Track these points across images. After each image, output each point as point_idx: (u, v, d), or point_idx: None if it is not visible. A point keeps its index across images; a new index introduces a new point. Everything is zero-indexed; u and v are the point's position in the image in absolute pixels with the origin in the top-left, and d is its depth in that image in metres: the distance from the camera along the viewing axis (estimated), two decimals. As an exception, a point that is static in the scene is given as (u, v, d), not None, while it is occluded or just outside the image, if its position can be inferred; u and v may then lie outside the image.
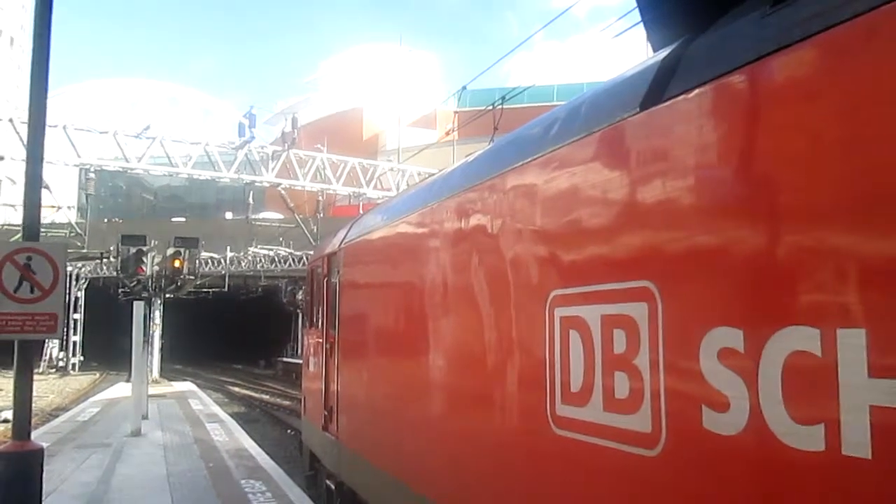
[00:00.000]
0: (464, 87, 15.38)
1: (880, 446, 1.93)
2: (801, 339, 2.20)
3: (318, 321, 9.58)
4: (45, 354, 42.30)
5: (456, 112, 35.21)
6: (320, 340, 9.30)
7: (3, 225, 46.56)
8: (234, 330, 57.68)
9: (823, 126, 2.25)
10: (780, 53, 2.41)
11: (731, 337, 2.49)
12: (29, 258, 6.74)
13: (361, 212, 22.04)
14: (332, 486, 8.69)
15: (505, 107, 12.55)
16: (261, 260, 39.90)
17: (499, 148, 5.04)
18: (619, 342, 3.11)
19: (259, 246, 39.60)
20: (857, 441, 2.00)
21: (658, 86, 3.10)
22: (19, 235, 7.10)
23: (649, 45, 3.98)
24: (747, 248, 2.47)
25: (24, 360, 6.84)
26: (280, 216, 42.60)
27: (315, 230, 30.10)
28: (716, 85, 2.70)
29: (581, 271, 3.53)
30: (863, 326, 2.01)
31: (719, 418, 2.52)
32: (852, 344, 2.03)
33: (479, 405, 4.67)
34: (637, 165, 3.15)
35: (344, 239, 8.52)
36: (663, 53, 3.30)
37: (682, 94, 2.88)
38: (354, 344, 7.92)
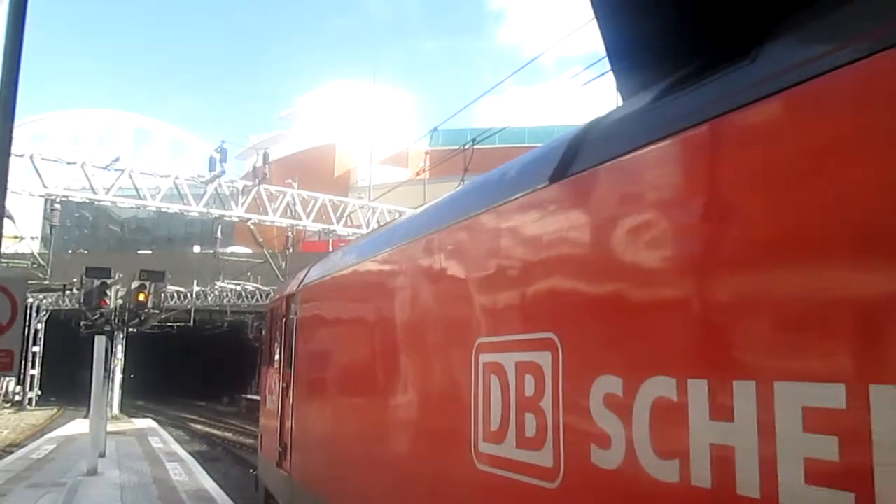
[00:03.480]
0: (436, 128, 15.55)
1: (717, 478, 2.36)
2: (663, 386, 2.64)
3: (275, 360, 9.91)
4: (1, 388, 41.16)
5: (427, 152, 35.51)
6: (277, 378, 9.58)
7: (-38, 254, 45.59)
8: (198, 366, 56.80)
9: (684, 207, 2.74)
10: (652, 145, 2.91)
11: (612, 383, 2.90)
12: (-14, 291, 6.58)
13: (331, 248, 21.97)
14: None
15: (476, 147, 12.69)
16: (227, 295, 39.43)
17: (434, 207, 5.57)
18: (529, 386, 3.51)
19: (226, 280, 39.17)
20: (700, 474, 2.42)
21: (563, 163, 3.56)
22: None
23: (619, 94, 4.05)
24: (625, 309, 2.94)
25: (-23, 395, 6.64)
26: (249, 251, 42.36)
27: (284, 266, 29.88)
28: (607, 166, 3.18)
29: (500, 322, 3.97)
30: (705, 378, 2.45)
31: (603, 455, 2.92)
32: (698, 391, 2.47)
33: (416, 443, 5.03)
34: (545, 232, 3.61)
35: (301, 282, 8.87)
36: (571, 135, 3.76)
37: (581, 171, 3.37)
38: (307, 383, 8.26)
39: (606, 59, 3.80)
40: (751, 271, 2.38)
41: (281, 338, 9.57)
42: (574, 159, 3.50)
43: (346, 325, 7.19)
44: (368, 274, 6.43)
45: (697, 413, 2.46)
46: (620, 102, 3.86)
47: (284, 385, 9.07)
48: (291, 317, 9.08)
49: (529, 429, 3.47)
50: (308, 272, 8.93)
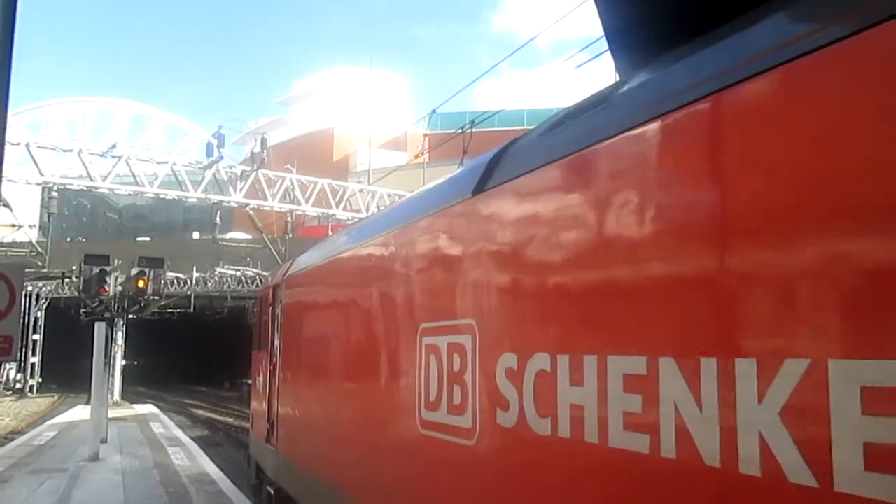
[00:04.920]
0: (434, 111, 15.42)
1: (574, 431, 3.09)
2: (541, 361, 3.37)
3: (263, 345, 10.71)
4: (2, 376, 41.29)
5: (426, 135, 35.35)
6: (265, 362, 10.38)
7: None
8: (198, 351, 56.93)
9: (562, 224, 3.39)
10: (545, 167, 3.56)
11: (511, 359, 3.64)
12: (-16, 278, 6.56)
13: (330, 233, 21.92)
14: (272, 492, 9.67)
15: (475, 130, 12.61)
16: (227, 280, 39.46)
17: (385, 214, 6.58)
18: (456, 363, 4.26)
19: (226, 266, 39.16)
20: (563, 427, 3.16)
21: (483, 178, 4.25)
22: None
23: (616, 74, 4.02)
24: (517, 301, 3.78)
25: (-23, 383, 6.64)
26: (248, 236, 42.28)
27: (283, 251, 29.84)
28: (514, 182, 3.86)
29: (437, 310, 4.74)
30: (567, 354, 3.18)
31: (504, 416, 3.65)
32: (564, 365, 3.19)
33: (374, 415, 5.89)
34: (468, 237, 4.36)
35: (286, 273, 9.68)
36: (492, 154, 4.45)
37: (498, 185, 4.04)
38: (290, 365, 9.09)
39: (601, 42, 3.79)
40: (606, 272, 3.09)
41: (268, 325, 10.31)
42: (490, 176, 4.20)
43: (319, 313, 8.14)
44: (336, 269, 7.33)
45: (562, 381, 3.21)
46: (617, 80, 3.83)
47: (271, 368, 9.84)
48: (277, 305, 9.83)
49: (456, 398, 4.23)
50: (291, 265, 9.70)
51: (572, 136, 3.44)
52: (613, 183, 3.06)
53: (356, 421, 6.37)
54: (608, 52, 4.01)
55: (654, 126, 2.83)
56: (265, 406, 10.15)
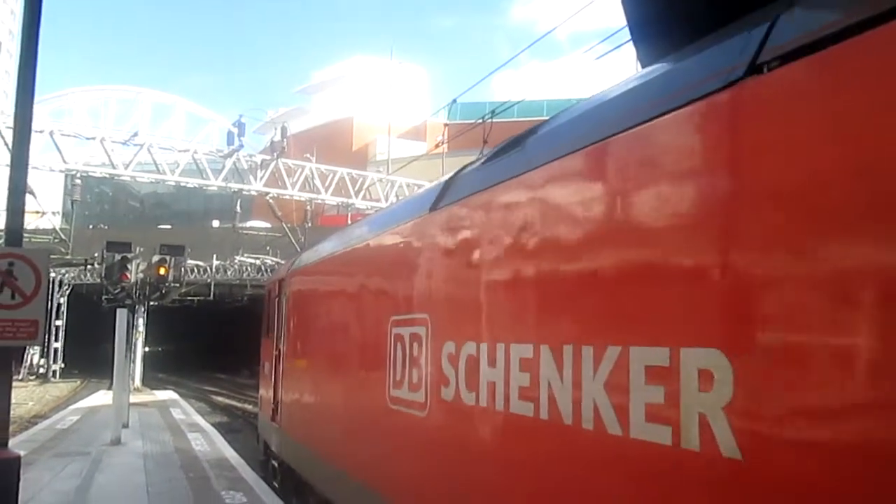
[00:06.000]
0: (454, 100, 15.40)
1: (488, 401, 4.12)
2: (471, 347, 4.39)
3: (270, 333, 11.89)
4: (26, 361, 41.83)
5: (446, 124, 35.27)
6: (271, 349, 11.54)
7: (-14, 229, 46.07)
8: (218, 339, 57.31)
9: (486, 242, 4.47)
10: (481, 192, 4.56)
11: (452, 346, 4.66)
12: (11, 264, 6.66)
13: (349, 222, 21.97)
14: (276, 465, 11.10)
15: (495, 120, 12.57)
16: (247, 269, 39.66)
17: (369, 221, 7.83)
18: (415, 349, 5.26)
19: (246, 255, 39.37)
20: (484, 399, 4.17)
21: (438, 198, 5.28)
22: (1, 241, 7.02)
23: (639, 64, 4.00)
24: (453, 299, 4.85)
25: (3, 366, 6.75)
26: (267, 225, 42.44)
27: (303, 240, 29.97)
28: (459, 203, 4.89)
29: (401, 306, 5.78)
30: (485, 342, 4.23)
31: (446, 392, 4.68)
32: (483, 351, 4.24)
33: (355, 393, 7.02)
34: (425, 245, 5.44)
35: (290, 268, 10.92)
36: (447, 176, 5.60)
37: (447, 205, 5.07)
38: (290, 352, 10.30)
39: (619, 34, 3.79)
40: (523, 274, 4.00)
41: (274, 315, 11.51)
42: (443, 197, 5.21)
43: (314, 306, 9.46)
44: (327, 269, 8.68)
45: (483, 364, 4.21)
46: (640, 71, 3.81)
47: (276, 354, 11.03)
48: (281, 297, 10.99)
49: (415, 378, 5.23)
50: (294, 262, 10.87)
51: (488, 174, 4.61)
52: (521, 210, 4.06)
53: (339, 399, 7.69)
54: (629, 44, 4.00)
55: (539, 173, 3.90)
56: (271, 388, 11.35)
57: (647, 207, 3.01)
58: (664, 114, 2.95)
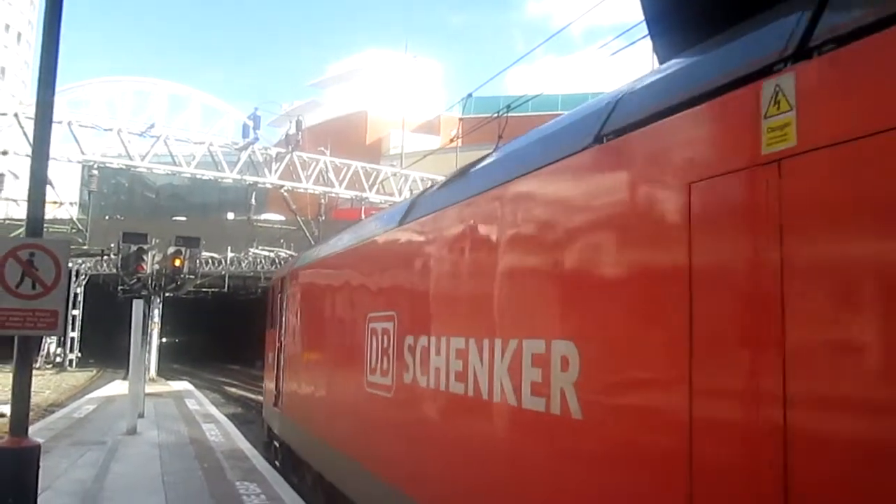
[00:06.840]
0: (469, 95, 15.38)
1: (434, 383, 5.24)
2: (424, 340, 5.45)
3: (273, 326, 13.06)
4: (43, 350, 42.27)
5: (461, 119, 35.22)
6: (274, 341, 12.83)
7: (4, 219, 46.55)
8: (232, 330, 57.61)
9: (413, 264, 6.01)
10: (413, 221, 6.06)
11: (411, 339, 5.73)
12: (32, 255, 6.73)
13: (363, 216, 22.01)
14: (278, 445, 12.52)
15: (510, 115, 12.53)
16: (261, 261, 39.86)
17: (353, 230, 8.94)
18: (385, 341, 6.33)
19: (260, 247, 39.55)
20: (435, 382, 5.20)
21: (405, 214, 6.33)
22: (21, 230, 7.10)
23: (655, 58, 4.00)
24: (413, 300, 5.93)
25: (24, 356, 6.83)
26: (282, 218, 42.61)
27: (317, 233, 30.06)
28: (416, 221, 6.02)
29: (376, 304, 6.88)
30: (434, 336, 5.30)
31: (406, 375, 5.76)
32: (431, 343, 5.30)
33: (339, 379, 8.30)
34: (393, 254, 6.73)
35: (291, 267, 12.23)
36: (414, 196, 6.95)
37: (411, 221, 6.14)
38: (289, 343, 11.55)
39: (635, 29, 3.78)
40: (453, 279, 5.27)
41: (277, 310, 12.71)
42: (409, 213, 6.23)
43: (309, 302, 10.60)
44: (319, 271, 10.07)
45: (432, 353, 5.24)
46: (657, 67, 3.82)
47: (278, 346, 12.26)
48: (283, 293, 12.10)
49: (384, 365, 6.31)
50: (296, 261, 12.18)
51: (437, 198, 5.71)
52: (455, 231, 5.21)
53: (326, 385, 9.01)
54: (645, 39, 4.00)
55: (469, 203, 5.08)
56: (274, 377, 12.58)
57: (546, 237, 4.06)
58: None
